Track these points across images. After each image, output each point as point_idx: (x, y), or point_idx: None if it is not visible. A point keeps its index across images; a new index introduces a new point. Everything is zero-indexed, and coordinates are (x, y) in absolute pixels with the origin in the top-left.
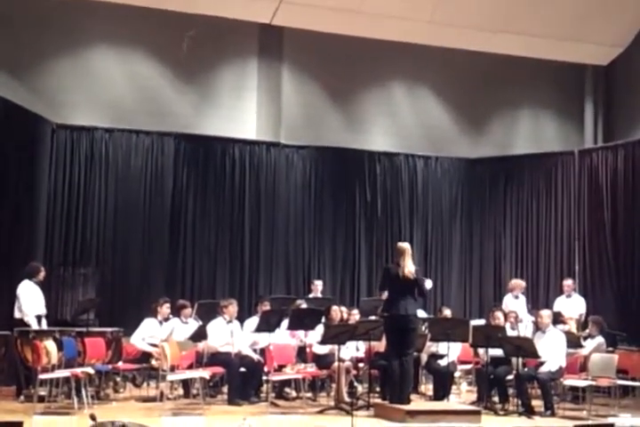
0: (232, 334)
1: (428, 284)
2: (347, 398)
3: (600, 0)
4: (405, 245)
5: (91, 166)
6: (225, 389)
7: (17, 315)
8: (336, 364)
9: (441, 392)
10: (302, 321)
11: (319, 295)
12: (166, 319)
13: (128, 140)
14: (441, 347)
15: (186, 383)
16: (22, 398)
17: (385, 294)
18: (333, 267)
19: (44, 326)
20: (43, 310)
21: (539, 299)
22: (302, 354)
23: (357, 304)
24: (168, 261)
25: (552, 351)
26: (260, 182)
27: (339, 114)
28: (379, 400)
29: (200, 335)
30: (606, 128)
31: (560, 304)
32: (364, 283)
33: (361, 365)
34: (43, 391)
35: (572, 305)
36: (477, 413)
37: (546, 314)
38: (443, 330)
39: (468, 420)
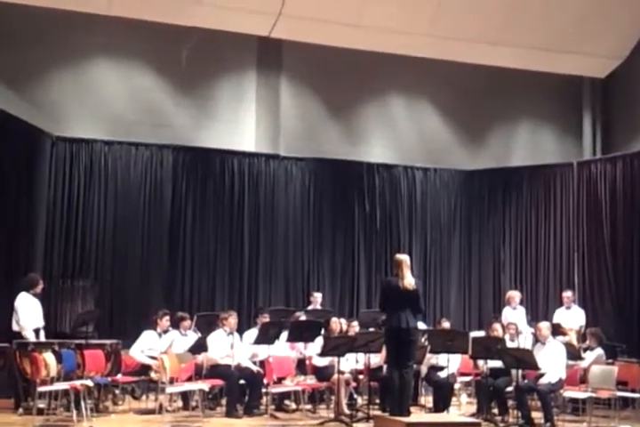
0: (232, 347)
1: None
2: (346, 411)
3: (597, 13)
4: (403, 257)
5: (90, 179)
6: (224, 401)
7: (15, 328)
8: (336, 376)
9: (441, 404)
10: (302, 333)
11: (318, 307)
12: (165, 331)
13: (127, 153)
14: (441, 359)
15: (185, 396)
16: (21, 410)
17: None
18: (333, 279)
19: (42, 338)
20: (41, 323)
21: (538, 310)
22: (302, 366)
23: (357, 316)
24: (167, 273)
25: (552, 363)
26: (259, 194)
27: (337, 126)
28: (378, 412)
29: (199, 347)
30: (605, 140)
31: (560, 316)
32: (363, 295)
33: (361, 377)
34: (41, 404)
35: (571, 317)
36: (477, 425)
37: (545, 326)
38: (442, 342)
39: None
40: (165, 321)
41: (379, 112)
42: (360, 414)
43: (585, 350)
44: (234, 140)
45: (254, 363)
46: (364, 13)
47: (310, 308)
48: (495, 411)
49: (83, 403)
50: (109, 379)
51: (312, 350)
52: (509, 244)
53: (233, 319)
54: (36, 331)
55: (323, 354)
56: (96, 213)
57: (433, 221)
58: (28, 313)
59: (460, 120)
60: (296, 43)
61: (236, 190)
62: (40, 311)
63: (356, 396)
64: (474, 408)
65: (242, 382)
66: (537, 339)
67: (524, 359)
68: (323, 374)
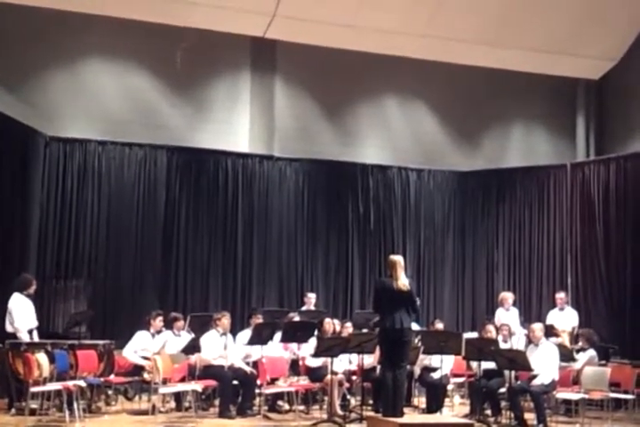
0: (225, 347)
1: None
2: (340, 411)
3: (592, 15)
4: (397, 258)
5: (83, 179)
6: (217, 402)
7: (8, 329)
8: (329, 377)
9: (434, 405)
10: (295, 334)
11: (312, 308)
12: (159, 332)
13: (121, 153)
14: (434, 360)
15: (178, 396)
16: (14, 411)
17: None
18: (326, 280)
19: (36, 338)
20: (34, 323)
21: (531, 312)
22: (295, 367)
23: (350, 317)
24: (161, 273)
25: (545, 364)
26: (253, 195)
27: (332, 127)
28: (372, 413)
29: (193, 348)
30: (598, 141)
31: (553, 317)
32: (357, 296)
33: (354, 377)
34: (34, 404)
35: (564, 318)
36: (470, 426)
37: (537, 327)
38: (436, 343)
39: None
40: (159, 322)
41: (373, 113)
42: (353, 415)
43: (578, 351)
44: (228, 141)
45: (247, 364)
46: (360, 14)
47: (304, 308)
48: (488, 412)
49: (75, 403)
50: (102, 379)
51: (305, 350)
52: (503, 245)
53: (226, 320)
54: (30, 331)
55: (316, 355)
56: (89, 214)
57: (427, 222)
58: (22, 315)
59: (455, 121)
60: (290, 43)
61: (229, 191)
62: (33, 312)
63: (349, 397)
64: (467, 409)
65: (235, 382)
66: (530, 340)
67: (517, 361)
68: (316, 374)
